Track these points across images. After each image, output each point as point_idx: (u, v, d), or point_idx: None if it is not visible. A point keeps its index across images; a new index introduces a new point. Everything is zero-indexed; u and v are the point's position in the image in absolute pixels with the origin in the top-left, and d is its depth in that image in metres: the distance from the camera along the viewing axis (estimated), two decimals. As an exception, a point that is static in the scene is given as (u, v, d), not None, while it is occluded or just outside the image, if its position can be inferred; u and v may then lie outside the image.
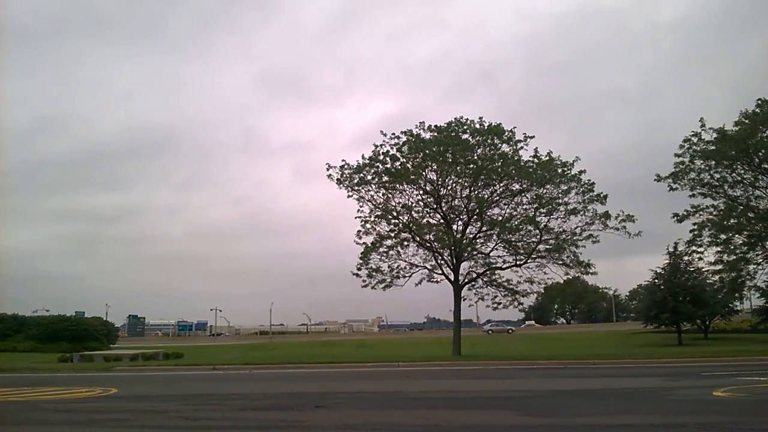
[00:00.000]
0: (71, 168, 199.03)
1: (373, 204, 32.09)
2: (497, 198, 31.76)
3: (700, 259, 37.44)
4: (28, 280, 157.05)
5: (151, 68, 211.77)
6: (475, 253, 31.86)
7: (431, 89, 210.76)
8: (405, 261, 32.05)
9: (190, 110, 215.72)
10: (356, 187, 31.86)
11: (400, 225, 31.84)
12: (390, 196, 32.04)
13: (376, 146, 31.64)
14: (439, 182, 31.68)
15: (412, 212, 32.00)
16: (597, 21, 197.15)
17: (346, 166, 31.82)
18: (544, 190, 31.08)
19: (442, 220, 32.14)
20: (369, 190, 31.95)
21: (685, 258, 41.37)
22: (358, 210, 32.22)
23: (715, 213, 34.30)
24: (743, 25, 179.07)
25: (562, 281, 33.66)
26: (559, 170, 30.77)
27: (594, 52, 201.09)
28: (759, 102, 33.21)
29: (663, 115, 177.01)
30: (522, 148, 31.36)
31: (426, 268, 32.03)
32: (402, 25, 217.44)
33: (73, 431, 9.99)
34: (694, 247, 35.76)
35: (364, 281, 31.94)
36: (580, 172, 30.72)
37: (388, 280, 31.84)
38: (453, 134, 31.04)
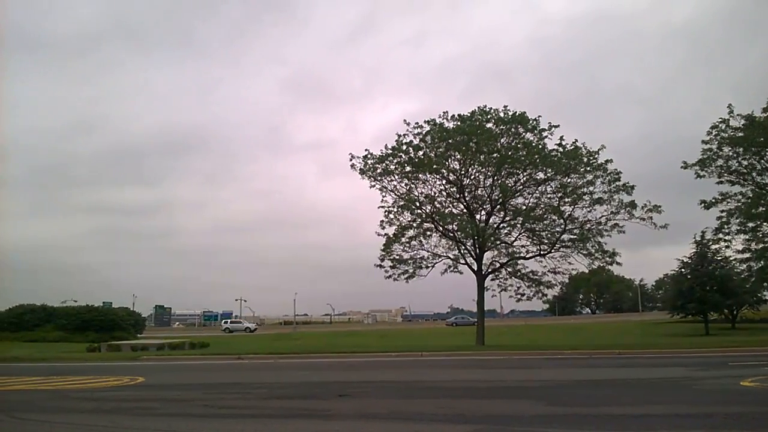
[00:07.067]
0: (103, 165, 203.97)
1: (396, 194, 31.99)
2: (521, 187, 31.47)
3: (727, 247, 36.89)
4: (57, 272, 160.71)
5: (185, 74, 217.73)
6: (498, 242, 31.64)
7: (447, 91, 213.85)
8: (428, 251, 31.99)
9: (221, 112, 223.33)
10: (379, 177, 31.75)
11: (423, 215, 31.73)
12: (413, 186, 31.91)
13: (399, 136, 31.53)
14: (462, 171, 31.46)
15: (435, 202, 31.86)
16: (609, 25, 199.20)
17: (369, 156, 31.72)
18: (569, 180, 30.75)
19: (465, 210, 31.96)
20: (392, 180, 31.84)
21: (713, 247, 40.74)
22: (382, 200, 32.17)
23: (743, 200, 33.73)
24: (747, 29, 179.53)
25: (586, 271, 33.30)
26: (585, 159, 30.38)
27: (606, 54, 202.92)
28: (790, 87, 32.50)
29: (673, 112, 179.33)
30: (546, 137, 31.05)
31: (449, 258, 31.90)
32: (419, 31, 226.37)
33: (101, 419, 10.13)
34: (721, 235, 35.26)
35: (387, 272, 31.92)
36: (606, 161, 30.33)
37: (411, 270, 31.75)
38: (476, 123, 30.79)
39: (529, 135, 30.99)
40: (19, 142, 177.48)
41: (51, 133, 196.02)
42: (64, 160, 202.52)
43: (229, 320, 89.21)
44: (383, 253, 31.74)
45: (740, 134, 33.26)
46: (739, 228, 34.18)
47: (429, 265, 31.90)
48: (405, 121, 31.60)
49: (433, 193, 31.86)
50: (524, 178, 31.27)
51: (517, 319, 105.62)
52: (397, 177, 31.69)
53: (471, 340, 32.91)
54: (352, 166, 31.85)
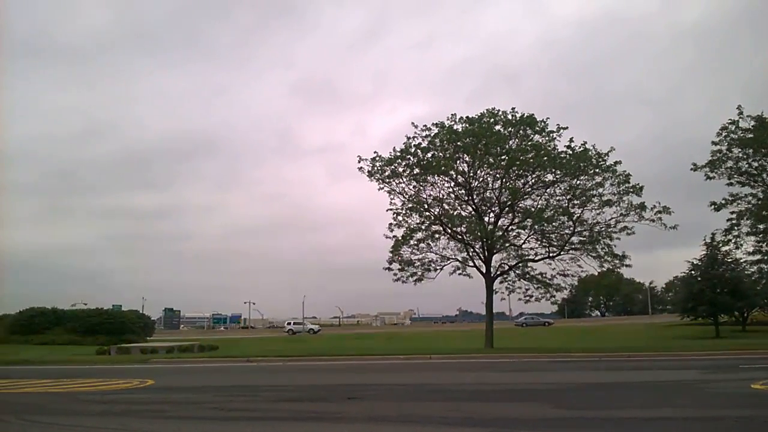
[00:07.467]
0: (113, 170, 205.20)
1: (404, 196, 31.95)
2: (530, 189, 31.39)
3: (737, 248, 36.72)
4: (67, 276, 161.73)
5: (194, 78, 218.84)
6: (507, 244, 31.55)
7: (456, 94, 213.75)
8: (436, 254, 31.92)
9: (229, 116, 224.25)
10: (387, 180, 31.71)
11: (432, 217, 31.68)
12: (421, 188, 31.87)
13: (408, 138, 31.52)
14: (471, 174, 31.40)
15: (444, 204, 31.82)
16: (619, 27, 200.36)
17: (377, 159, 31.70)
18: (578, 181, 30.63)
19: (473, 212, 31.90)
20: (400, 183, 31.80)
21: (723, 249, 40.51)
22: (390, 203, 32.14)
23: (753, 202, 33.54)
24: (756, 31, 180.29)
25: (596, 273, 33.18)
26: (594, 161, 30.25)
27: (616, 56, 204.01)
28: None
29: (683, 114, 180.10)
30: (555, 138, 30.97)
31: (457, 260, 31.81)
32: (428, 34, 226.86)
33: (111, 422, 10.17)
34: (730, 237, 35.11)
35: (395, 275, 31.87)
36: (616, 162, 30.20)
37: (419, 273, 31.68)
38: (485, 125, 30.75)
39: (537, 137, 30.94)
40: (29, 148, 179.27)
41: (61, 139, 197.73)
42: (74, 166, 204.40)
43: (292, 322, 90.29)
44: (392, 255, 31.71)
45: (750, 135, 33.10)
46: (749, 230, 34.01)
47: (437, 267, 31.86)
48: (413, 123, 31.62)
49: (441, 196, 31.85)
50: (533, 180, 31.19)
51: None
52: (405, 179, 31.68)
53: (480, 343, 32.81)
54: (360, 168, 31.88)
